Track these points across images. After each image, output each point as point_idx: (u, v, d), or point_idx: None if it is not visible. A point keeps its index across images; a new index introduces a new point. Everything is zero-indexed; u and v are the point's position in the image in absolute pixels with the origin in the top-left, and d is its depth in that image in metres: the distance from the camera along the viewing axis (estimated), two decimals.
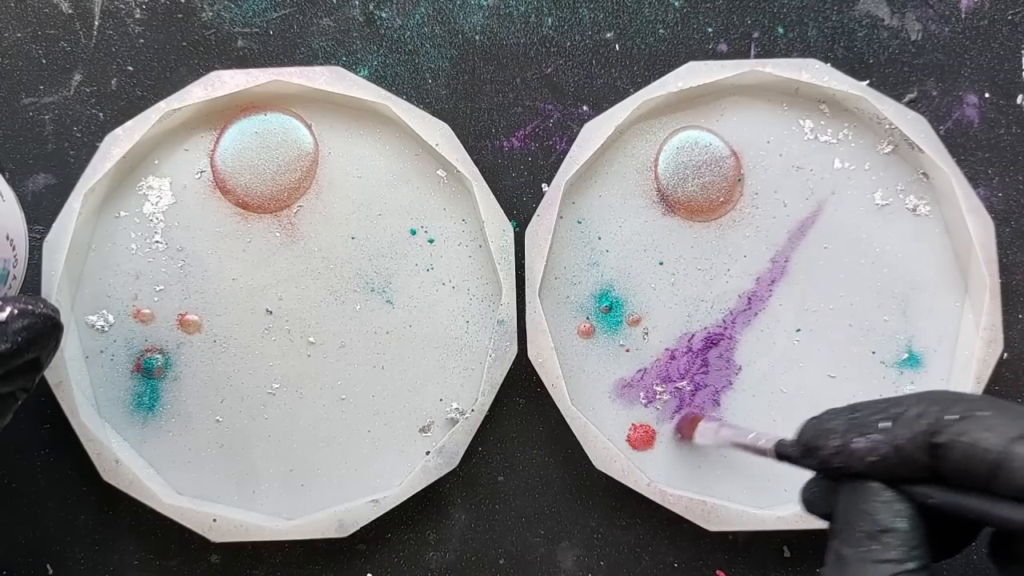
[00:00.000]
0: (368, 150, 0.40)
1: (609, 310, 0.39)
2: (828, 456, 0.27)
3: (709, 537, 0.39)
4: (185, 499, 0.38)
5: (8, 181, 0.34)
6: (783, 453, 0.30)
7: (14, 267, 0.33)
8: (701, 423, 0.37)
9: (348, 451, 0.39)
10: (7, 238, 0.32)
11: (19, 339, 0.29)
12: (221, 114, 0.39)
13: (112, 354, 0.39)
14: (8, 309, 0.29)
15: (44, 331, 0.30)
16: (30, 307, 0.29)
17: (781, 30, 0.41)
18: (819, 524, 0.37)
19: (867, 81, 0.40)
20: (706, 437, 0.37)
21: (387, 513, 0.37)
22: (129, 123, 0.38)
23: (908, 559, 0.25)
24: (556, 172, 0.39)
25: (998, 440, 0.24)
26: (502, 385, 0.38)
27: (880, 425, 0.26)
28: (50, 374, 0.37)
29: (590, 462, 0.38)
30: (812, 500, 0.29)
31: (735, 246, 0.40)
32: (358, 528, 0.37)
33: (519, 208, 0.40)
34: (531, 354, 0.38)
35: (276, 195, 0.39)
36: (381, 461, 0.38)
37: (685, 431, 0.38)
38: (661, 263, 0.39)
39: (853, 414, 0.27)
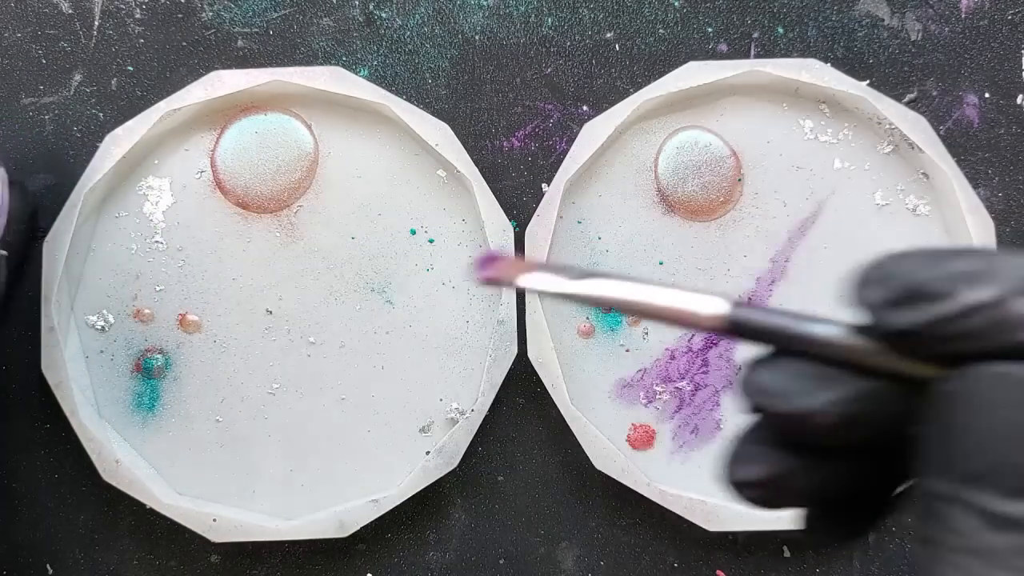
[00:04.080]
0: (368, 150, 0.40)
1: (609, 310, 0.39)
2: (954, 315, 0.16)
3: (709, 537, 0.39)
4: (185, 499, 0.38)
5: None
6: (744, 323, 0.17)
7: None
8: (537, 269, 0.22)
9: (348, 451, 0.39)
10: None
11: None
12: (221, 114, 0.39)
13: (112, 354, 0.39)
14: None
15: None
16: None
17: (781, 30, 0.41)
18: None
19: (867, 81, 0.40)
20: (536, 284, 0.22)
21: (387, 513, 0.37)
22: (129, 123, 0.38)
23: None
24: (556, 172, 0.39)
25: None
26: (502, 385, 0.38)
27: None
28: (50, 374, 0.37)
29: (590, 462, 0.38)
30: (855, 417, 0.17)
31: (735, 246, 0.40)
32: (358, 528, 0.37)
33: (519, 208, 0.40)
34: (531, 354, 0.38)
35: (276, 195, 0.39)
36: (381, 461, 0.38)
37: (492, 271, 0.23)
38: (661, 263, 0.39)
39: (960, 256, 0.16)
